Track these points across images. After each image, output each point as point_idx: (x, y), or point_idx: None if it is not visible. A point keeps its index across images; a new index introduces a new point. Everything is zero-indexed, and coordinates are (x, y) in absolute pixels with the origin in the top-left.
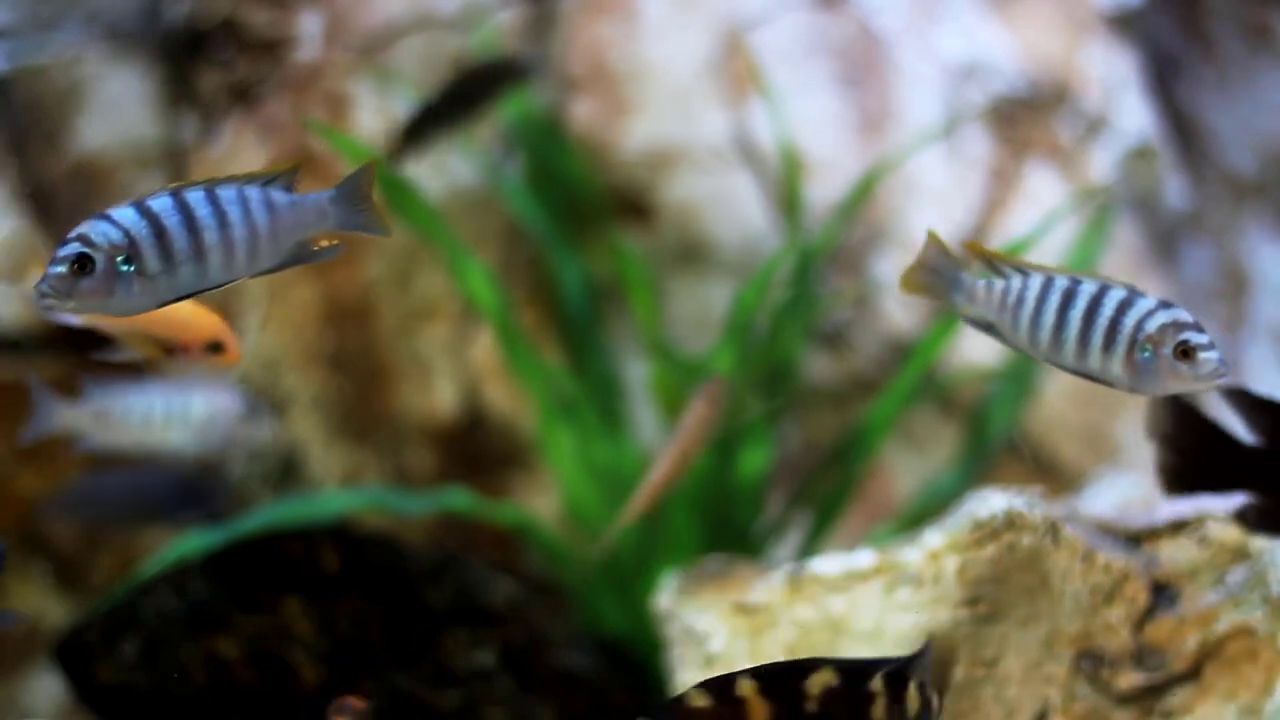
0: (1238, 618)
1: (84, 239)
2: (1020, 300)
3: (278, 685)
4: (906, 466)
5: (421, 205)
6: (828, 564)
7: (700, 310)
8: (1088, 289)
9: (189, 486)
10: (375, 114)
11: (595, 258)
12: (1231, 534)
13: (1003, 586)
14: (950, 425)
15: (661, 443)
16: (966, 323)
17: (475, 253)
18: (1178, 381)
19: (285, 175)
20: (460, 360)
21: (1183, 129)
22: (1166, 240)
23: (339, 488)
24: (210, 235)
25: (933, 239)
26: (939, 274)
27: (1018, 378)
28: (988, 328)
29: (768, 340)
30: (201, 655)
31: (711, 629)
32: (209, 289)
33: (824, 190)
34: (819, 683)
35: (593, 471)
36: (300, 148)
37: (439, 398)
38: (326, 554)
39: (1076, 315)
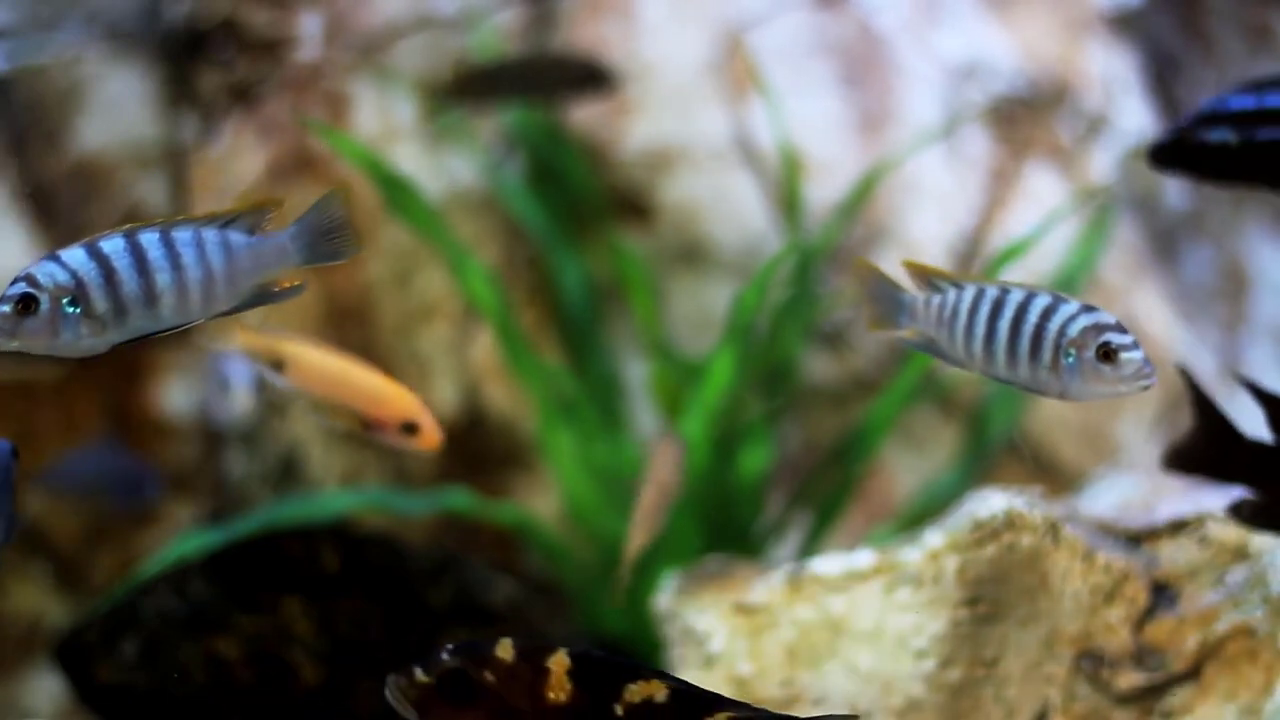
0: (1238, 618)
1: (30, 279)
2: (955, 313)
3: (278, 685)
4: (906, 466)
5: (421, 205)
6: (828, 564)
7: (700, 310)
8: (1014, 298)
9: (126, 470)
10: (375, 114)
11: (595, 258)
12: (1231, 534)
13: (1003, 586)
14: (950, 425)
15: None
16: (907, 345)
17: (475, 253)
18: (1103, 384)
19: (252, 215)
20: (460, 360)
21: None
22: (1166, 240)
23: (339, 488)
24: (163, 279)
25: (865, 267)
26: (884, 300)
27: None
28: (929, 345)
29: (768, 340)
30: (201, 655)
31: (711, 629)
32: (163, 332)
33: (824, 190)
34: (640, 693)
35: (593, 471)
36: (300, 148)
37: (439, 398)
38: (326, 554)
39: (1004, 325)
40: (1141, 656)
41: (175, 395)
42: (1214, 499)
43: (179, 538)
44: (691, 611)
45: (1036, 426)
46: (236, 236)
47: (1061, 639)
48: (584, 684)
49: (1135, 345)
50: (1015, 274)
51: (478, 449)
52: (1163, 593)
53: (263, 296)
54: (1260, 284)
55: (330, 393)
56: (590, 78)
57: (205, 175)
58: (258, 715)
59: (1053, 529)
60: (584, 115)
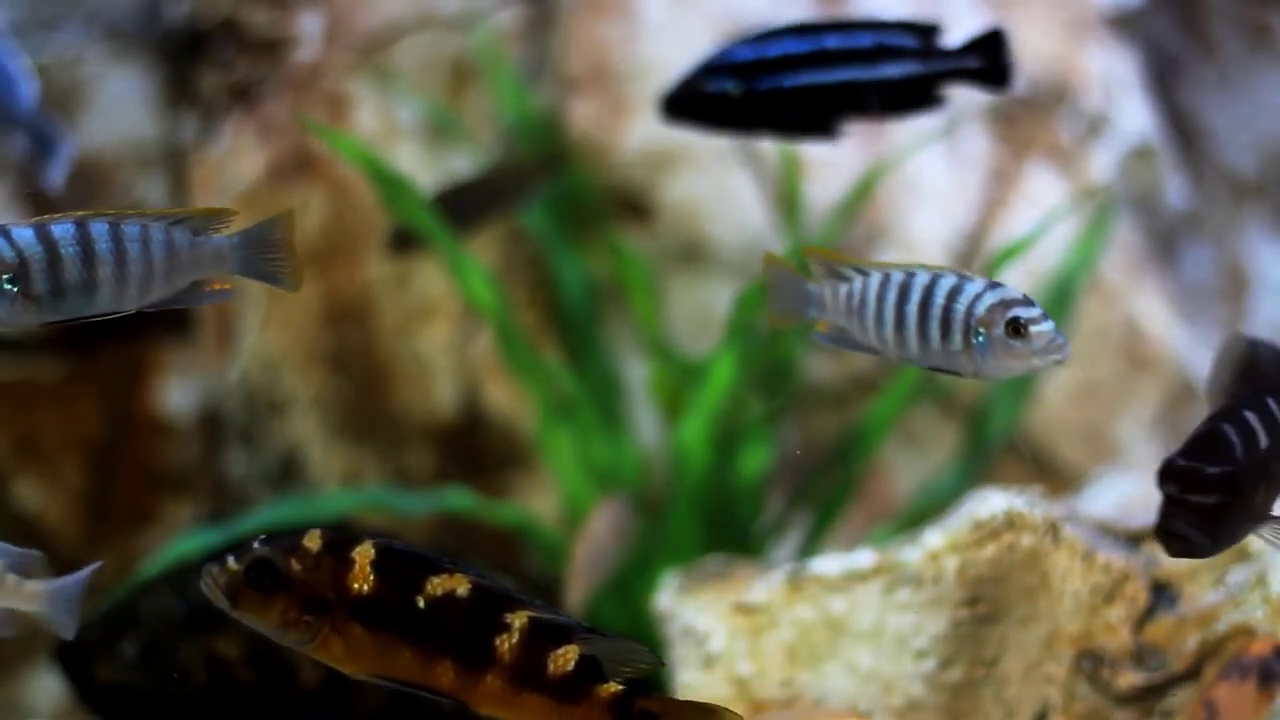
0: (1238, 618)
1: None
2: (863, 301)
3: (278, 685)
4: (906, 466)
5: (420, 205)
6: (828, 564)
7: (700, 310)
8: (920, 280)
9: None
10: (375, 114)
11: (595, 258)
12: None
13: (1003, 586)
14: (950, 425)
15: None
16: (820, 339)
17: (475, 253)
18: (1015, 360)
19: (202, 219)
20: (460, 360)
21: (1183, 129)
22: (1166, 240)
23: (339, 488)
24: (104, 270)
25: (771, 260)
26: (790, 293)
27: (1017, 377)
28: (840, 335)
29: (768, 340)
30: (201, 655)
31: (711, 629)
32: (93, 317)
33: (824, 190)
34: (442, 585)
35: (592, 471)
36: (300, 148)
37: (439, 398)
38: None
39: (913, 308)
40: (1141, 656)
41: (175, 395)
42: None
43: (179, 538)
44: (691, 611)
45: (1036, 426)
46: (180, 235)
47: (1061, 639)
48: (387, 575)
49: (1045, 318)
50: (1015, 273)
51: (478, 449)
52: (1163, 593)
53: (194, 295)
54: (1260, 284)
55: None
56: (550, 167)
57: (205, 175)
58: (258, 715)
59: (1053, 529)
60: (584, 115)
